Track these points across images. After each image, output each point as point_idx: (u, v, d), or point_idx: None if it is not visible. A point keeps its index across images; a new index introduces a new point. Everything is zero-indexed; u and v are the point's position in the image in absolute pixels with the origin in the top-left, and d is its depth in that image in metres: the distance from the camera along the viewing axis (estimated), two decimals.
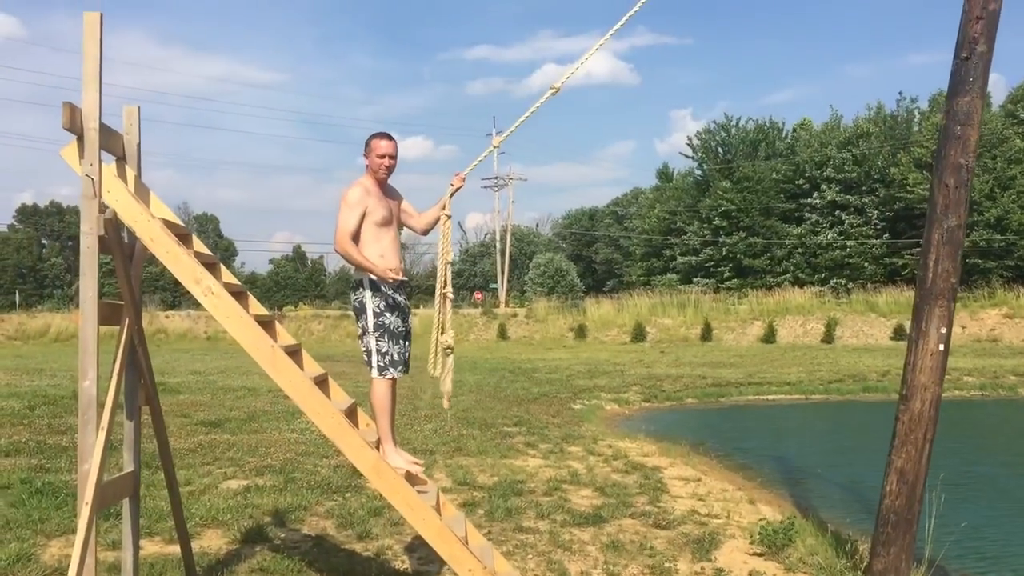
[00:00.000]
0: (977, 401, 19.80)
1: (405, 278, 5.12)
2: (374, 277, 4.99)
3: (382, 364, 5.00)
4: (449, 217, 5.25)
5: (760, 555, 6.66)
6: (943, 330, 5.92)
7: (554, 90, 5.24)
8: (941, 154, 6.03)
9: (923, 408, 5.92)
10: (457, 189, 5.23)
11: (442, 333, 5.14)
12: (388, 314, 5.00)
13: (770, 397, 20.24)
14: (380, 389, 5.02)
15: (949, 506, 6.87)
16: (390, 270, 4.95)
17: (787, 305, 39.88)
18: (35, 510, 7.04)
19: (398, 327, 5.04)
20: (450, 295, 5.17)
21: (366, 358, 5.06)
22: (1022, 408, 19.23)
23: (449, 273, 5.18)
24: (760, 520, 7.52)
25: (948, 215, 5.94)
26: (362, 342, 5.07)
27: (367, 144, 5.13)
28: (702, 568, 6.31)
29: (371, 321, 4.99)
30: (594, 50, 5.42)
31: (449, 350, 5.14)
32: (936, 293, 5.94)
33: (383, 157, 5.09)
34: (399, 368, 5.04)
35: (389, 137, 5.15)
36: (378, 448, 4.91)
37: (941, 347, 5.93)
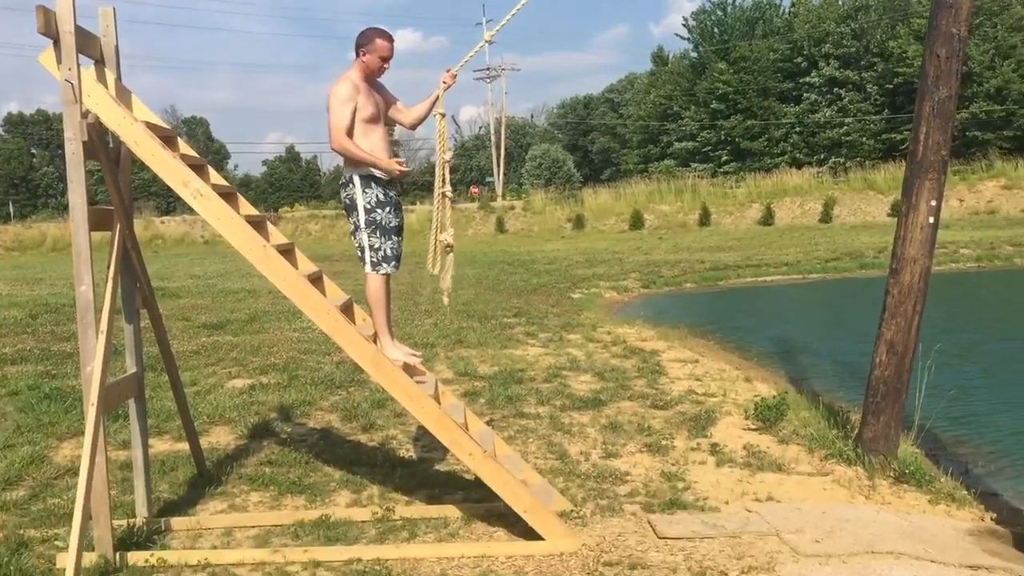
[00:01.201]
0: (973, 273, 19.96)
1: (408, 168, 5.12)
2: (365, 173, 4.98)
3: (375, 259, 5.04)
4: (444, 115, 5.23)
5: (755, 430, 6.84)
6: (933, 203, 5.92)
7: None
8: (932, 24, 5.91)
9: (912, 280, 5.97)
10: (448, 87, 5.19)
11: (441, 232, 5.18)
12: (379, 210, 5.01)
13: (768, 278, 20.40)
14: (374, 284, 5.08)
15: (939, 374, 7.03)
16: (396, 162, 4.99)
17: (785, 187, 39.76)
18: (44, 414, 7.20)
19: (390, 222, 5.06)
20: (448, 194, 5.21)
21: (359, 254, 5.10)
22: (1017, 277, 19.38)
23: (447, 172, 5.20)
24: (755, 397, 7.69)
25: (939, 86, 5.86)
26: (354, 238, 5.10)
27: (369, 40, 5.02)
28: (698, 444, 6.49)
29: (362, 217, 5.01)
30: None
31: (449, 248, 5.20)
32: (927, 166, 5.92)
33: (385, 59, 5.06)
34: (392, 263, 5.09)
35: (392, 39, 5.09)
36: (375, 342, 5.01)
37: (931, 220, 5.94)
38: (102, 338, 4.44)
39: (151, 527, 4.92)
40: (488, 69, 62.76)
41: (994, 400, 8.78)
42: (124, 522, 4.90)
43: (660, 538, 4.76)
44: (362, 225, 5.02)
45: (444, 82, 5.18)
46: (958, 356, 10.20)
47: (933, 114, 5.89)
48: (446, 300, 5.40)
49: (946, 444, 7.27)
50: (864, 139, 48.87)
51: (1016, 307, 16.00)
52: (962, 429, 7.69)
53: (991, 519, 5.41)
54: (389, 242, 5.06)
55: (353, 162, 4.99)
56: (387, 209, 5.04)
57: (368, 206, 5.01)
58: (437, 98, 5.22)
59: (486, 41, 5.92)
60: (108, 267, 4.71)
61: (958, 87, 6.03)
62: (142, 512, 5.06)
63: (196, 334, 11.47)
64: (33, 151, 77.35)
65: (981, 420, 8.08)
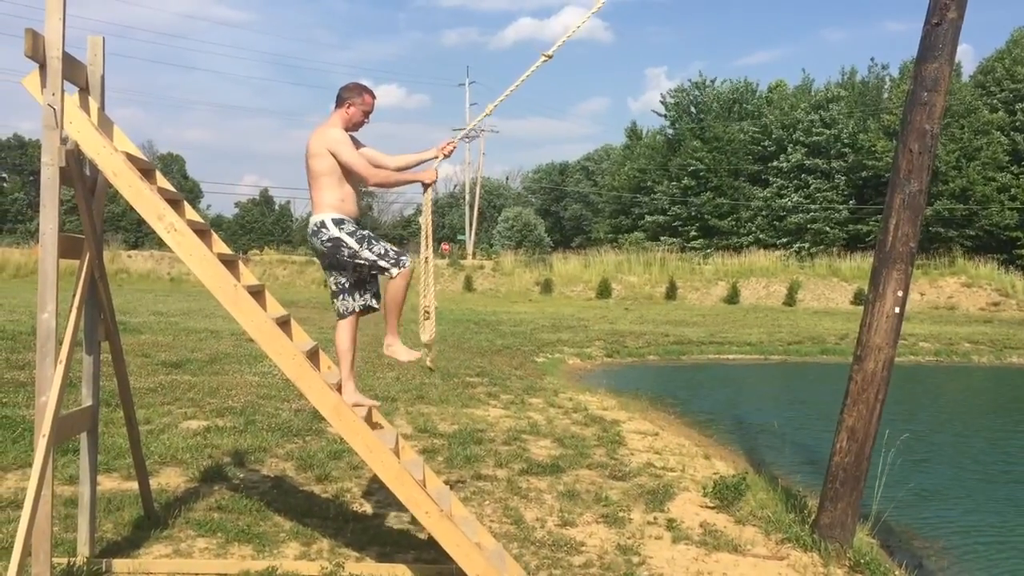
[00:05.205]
0: (931, 366, 20.20)
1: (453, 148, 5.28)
2: (335, 217, 4.93)
3: (393, 259, 4.94)
4: (434, 182, 5.28)
5: (712, 508, 6.81)
6: (900, 293, 6.02)
7: (547, 57, 5.27)
8: (907, 119, 6.08)
9: (876, 368, 6.04)
10: (446, 156, 5.28)
11: (425, 296, 5.18)
12: (359, 230, 4.99)
13: (730, 356, 20.50)
14: (399, 282, 4.97)
15: (898, 466, 7.07)
16: (445, 143, 5.23)
17: (751, 267, 40.27)
18: None
19: (372, 234, 5.07)
20: (431, 259, 5.21)
21: (377, 271, 5.01)
22: (973, 374, 19.66)
23: (431, 238, 5.26)
24: (714, 474, 7.67)
25: (911, 180, 6.00)
26: (358, 262, 4.96)
27: (357, 94, 5.08)
28: (655, 518, 6.44)
29: (352, 241, 4.92)
30: (589, 15, 5.44)
31: (427, 313, 5.18)
32: (895, 256, 6.03)
33: (367, 114, 5.15)
34: (404, 256, 4.99)
35: (375, 96, 5.20)
36: (339, 390, 4.94)
37: (897, 310, 6.03)
38: (60, 368, 4.34)
39: (92, 567, 4.76)
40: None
41: (950, 496, 8.82)
42: (65, 560, 4.74)
43: None
44: (357, 247, 4.94)
45: (444, 153, 5.24)
46: (921, 451, 10.28)
47: (903, 206, 6.02)
48: (429, 363, 5.37)
49: (900, 536, 7.28)
50: (828, 227, 49.72)
51: (973, 404, 16.20)
52: (916, 521, 7.71)
53: None
54: (385, 242, 5.03)
55: (322, 207, 4.95)
56: (365, 230, 5.06)
57: (350, 232, 4.96)
58: (425, 160, 5.27)
59: (487, 113, 5.99)
60: (73, 296, 4.62)
61: (928, 182, 6.18)
62: (84, 551, 4.90)
63: (154, 371, 11.28)
64: (4, 175, 76.37)
65: (936, 514, 8.10)
